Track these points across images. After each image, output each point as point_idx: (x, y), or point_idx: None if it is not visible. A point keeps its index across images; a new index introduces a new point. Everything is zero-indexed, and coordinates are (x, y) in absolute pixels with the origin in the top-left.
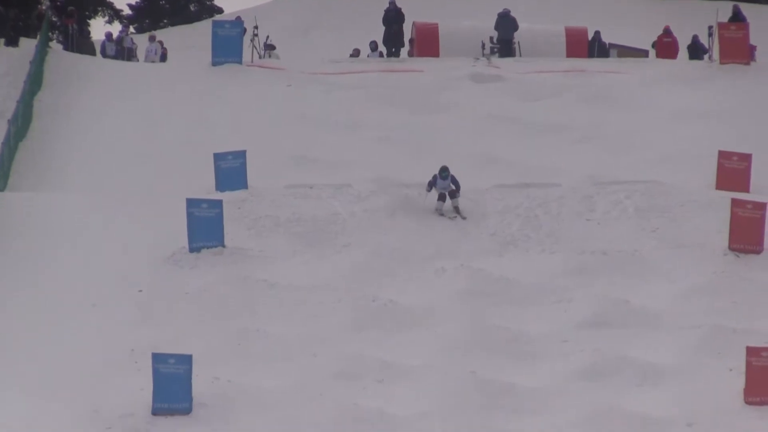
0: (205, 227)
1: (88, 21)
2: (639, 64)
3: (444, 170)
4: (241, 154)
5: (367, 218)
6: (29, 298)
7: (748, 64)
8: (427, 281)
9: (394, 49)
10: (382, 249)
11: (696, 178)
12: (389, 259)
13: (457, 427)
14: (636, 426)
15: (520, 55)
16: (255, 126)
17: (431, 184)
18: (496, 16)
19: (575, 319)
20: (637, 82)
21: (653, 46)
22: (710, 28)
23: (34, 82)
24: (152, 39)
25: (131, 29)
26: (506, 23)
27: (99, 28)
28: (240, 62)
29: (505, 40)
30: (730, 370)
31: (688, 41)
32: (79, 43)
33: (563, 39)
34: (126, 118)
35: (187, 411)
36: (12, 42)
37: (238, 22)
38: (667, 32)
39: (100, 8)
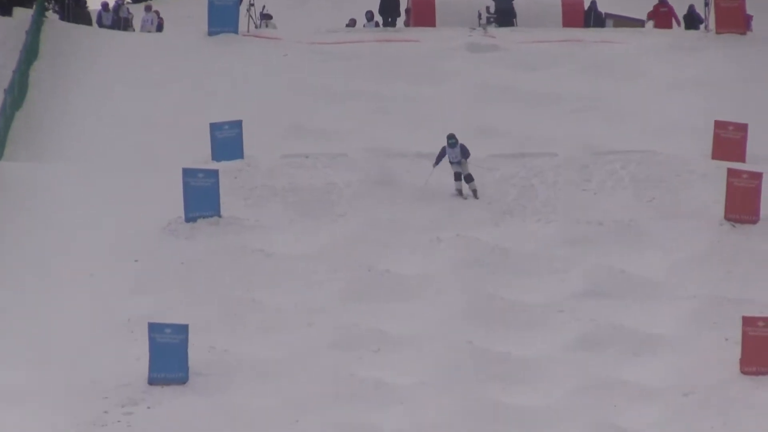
0: (201, 197)
1: None
2: (635, 34)
3: (451, 137)
4: (237, 124)
5: (363, 188)
6: (25, 268)
7: (744, 33)
8: (423, 251)
9: (390, 19)
10: (378, 219)
11: (692, 148)
12: (385, 229)
13: (453, 397)
14: (632, 396)
15: (516, 25)
16: (251, 96)
17: (440, 157)
18: None
19: (571, 288)
20: (633, 52)
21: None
22: None
23: (30, 51)
24: (149, 9)
25: None
26: None
27: None
28: (236, 32)
29: (504, 9)
30: (726, 339)
31: (684, 11)
32: (75, 13)
33: (559, 9)
34: (122, 89)
35: (183, 380)
36: (6, 11)
37: None
38: (663, 2)
39: None
